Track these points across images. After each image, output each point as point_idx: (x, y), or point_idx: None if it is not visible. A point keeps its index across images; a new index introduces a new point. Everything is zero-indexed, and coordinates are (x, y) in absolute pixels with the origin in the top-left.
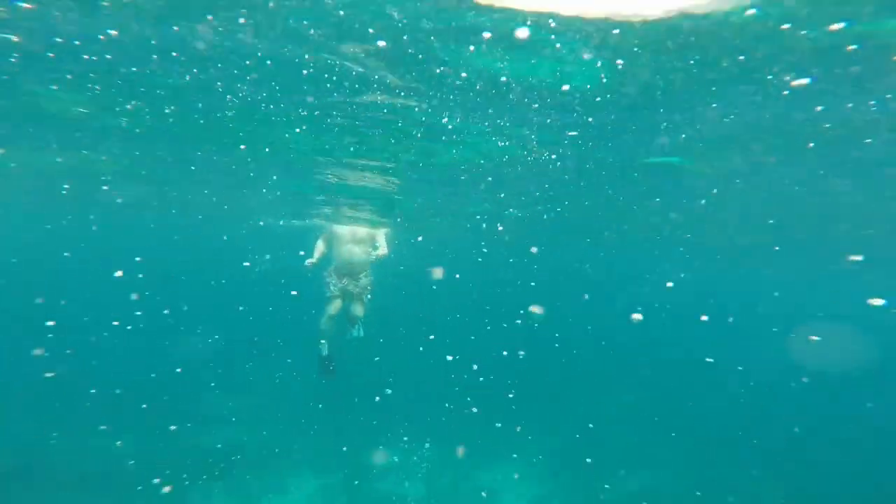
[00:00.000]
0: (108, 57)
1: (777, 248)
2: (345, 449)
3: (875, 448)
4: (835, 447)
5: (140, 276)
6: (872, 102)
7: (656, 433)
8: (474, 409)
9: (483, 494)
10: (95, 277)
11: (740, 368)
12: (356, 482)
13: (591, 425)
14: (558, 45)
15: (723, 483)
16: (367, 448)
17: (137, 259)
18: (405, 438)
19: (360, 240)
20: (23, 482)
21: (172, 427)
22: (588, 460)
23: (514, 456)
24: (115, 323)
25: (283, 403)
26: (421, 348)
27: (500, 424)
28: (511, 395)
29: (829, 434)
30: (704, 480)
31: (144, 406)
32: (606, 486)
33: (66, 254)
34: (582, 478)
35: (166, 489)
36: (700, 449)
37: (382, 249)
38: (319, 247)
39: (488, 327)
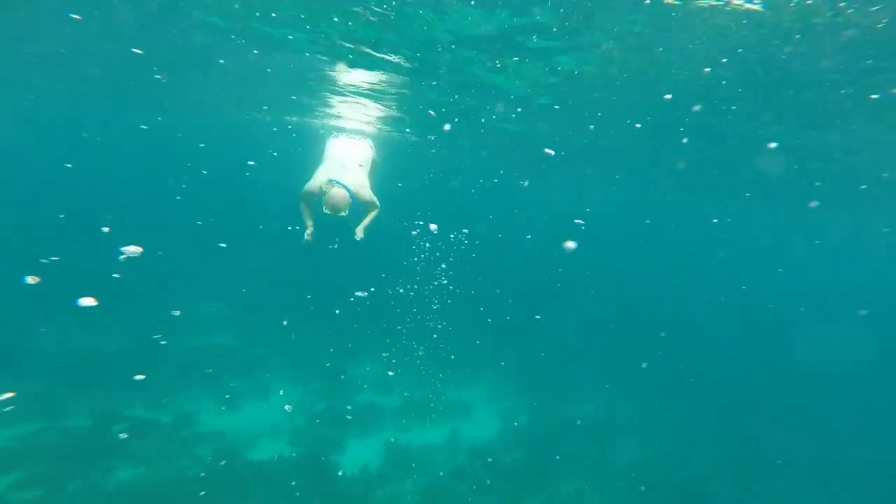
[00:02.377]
0: None
1: None
2: (326, 361)
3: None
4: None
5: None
6: None
7: (606, 365)
8: (448, 335)
9: (455, 407)
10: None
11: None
12: (336, 391)
13: (545, 355)
14: None
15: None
16: (347, 361)
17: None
18: (383, 355)
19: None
20: (8, 367)
21: (159, 329)
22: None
23: (483, 377)
24: (106, 230)
25: (268, 314)
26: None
27: (469, 350)
28: (481, 323)
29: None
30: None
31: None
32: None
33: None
34: (542, 397)
35: (140, 377)
36: (646, 381)
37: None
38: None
39: (468, 260)
